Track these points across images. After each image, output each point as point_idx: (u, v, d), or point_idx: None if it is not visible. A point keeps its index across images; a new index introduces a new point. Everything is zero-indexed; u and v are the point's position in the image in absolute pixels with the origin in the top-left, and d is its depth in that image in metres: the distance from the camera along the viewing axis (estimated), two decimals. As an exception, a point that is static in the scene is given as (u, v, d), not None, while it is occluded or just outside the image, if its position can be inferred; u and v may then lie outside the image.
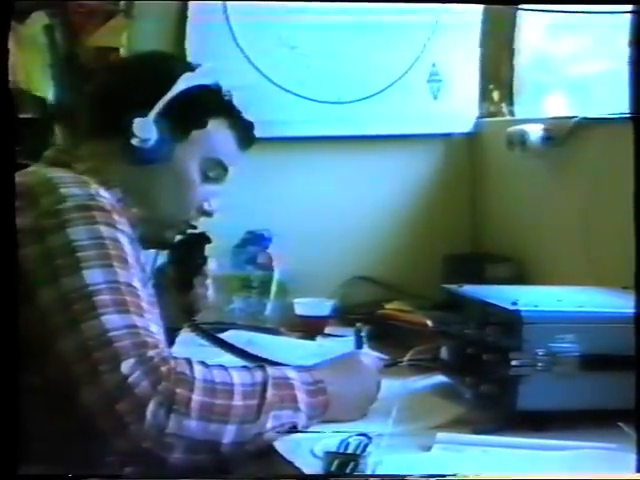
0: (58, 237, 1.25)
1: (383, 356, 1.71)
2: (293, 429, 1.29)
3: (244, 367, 1.32)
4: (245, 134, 1.56)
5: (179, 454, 1.18)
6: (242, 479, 1.24)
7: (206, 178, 1.51)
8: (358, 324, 1.93)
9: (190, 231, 1.57)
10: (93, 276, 1.22)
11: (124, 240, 1.29)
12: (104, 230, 1.27)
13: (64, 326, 1.20)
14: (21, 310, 1.16)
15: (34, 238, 1.25)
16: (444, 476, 1.14)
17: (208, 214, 1.55)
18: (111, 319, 1.19)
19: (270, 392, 1.26)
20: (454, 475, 1.14)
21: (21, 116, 2.11)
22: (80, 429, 1.18)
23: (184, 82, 1.46)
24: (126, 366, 1.15)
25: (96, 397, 1.15)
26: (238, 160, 1.57)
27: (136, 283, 1.26)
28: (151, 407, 1.15)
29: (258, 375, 1.28)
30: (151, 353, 1.18)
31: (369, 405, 1.41)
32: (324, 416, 1.34)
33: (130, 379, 1.15)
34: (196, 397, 1.18)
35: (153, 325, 1.24)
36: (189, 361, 1.22)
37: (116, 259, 1.26)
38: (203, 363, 1.24)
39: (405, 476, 1.14)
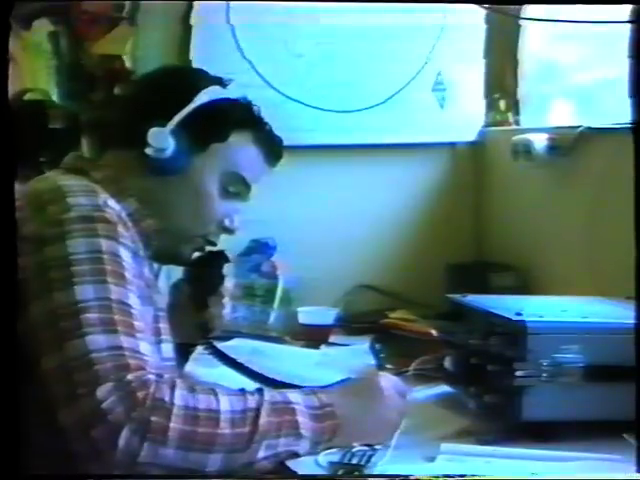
0: (56, 248, 1.22)
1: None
2: (294, 456, 1.23)
3: (240, 390, 1.25)
4: (272, 149, 1.52)
5: None
6: (242, 479, 1.22)
7: (227, 193, 1.47)
8: (371, 337, 1.92)
9: (209, 249, 1.53)
10: (84, 292, 1.19)
11: (125, 254, 1.27)
12: (104, 243, 1.24)
13: (50, 343, 1.17)
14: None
15: (34, 247, 1.22)
16: (447, 476, 1.15)
17: (229, 231, 1.51)
18: (95, 339, 1.16)
19: (264, 419, 1.20)
20: (458, 476, 1.14)
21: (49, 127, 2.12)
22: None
23: (207, 95, 1.44)
24: (102, 391, 1.12)
25: (72, 420, 1.13)
26: (262, 176, 1.53)
27: (132, 300, 1.23)
28: (124, 434, 1.11)
29: (252, 401, 1.22)
30: (130, 377, 1.14)
31: (388, 431, 1.31)
32: (335, 441, 1.27)
33: (104, 405, 1.12)
34: (174, 425, 1.13)
35: (144, 344, 1.20)
36: (173, 385, 1.17)
37: (111, 275, 1.22)
38: (191, 387, 1.19)
39: (408, 476, 1.15)
